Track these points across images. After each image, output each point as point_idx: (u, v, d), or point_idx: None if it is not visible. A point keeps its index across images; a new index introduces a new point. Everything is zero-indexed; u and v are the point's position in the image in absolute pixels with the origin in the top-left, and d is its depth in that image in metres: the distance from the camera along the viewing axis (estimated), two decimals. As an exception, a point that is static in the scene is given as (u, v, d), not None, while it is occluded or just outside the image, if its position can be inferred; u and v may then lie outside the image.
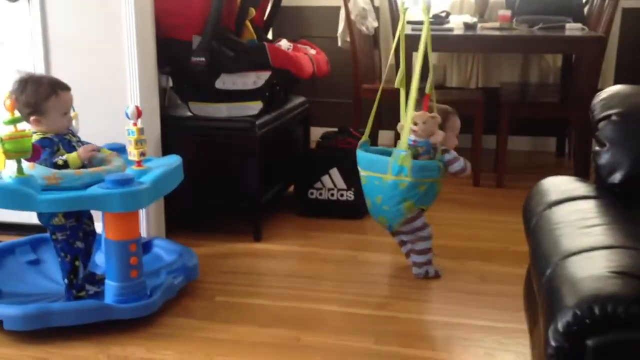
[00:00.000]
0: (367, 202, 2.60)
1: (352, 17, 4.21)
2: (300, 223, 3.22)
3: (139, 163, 2.26)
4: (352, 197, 3.23)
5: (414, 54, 4.07)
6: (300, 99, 3.51)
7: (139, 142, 2.22)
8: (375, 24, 4.51)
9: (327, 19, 4.67)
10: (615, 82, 4.15)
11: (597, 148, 1.87)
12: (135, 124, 2.22)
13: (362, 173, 2.58)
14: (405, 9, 2.62)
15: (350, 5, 4.19)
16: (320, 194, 3.27)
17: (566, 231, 1.57)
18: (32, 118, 2.19)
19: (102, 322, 2.17)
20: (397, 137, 2.79)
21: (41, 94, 2.18)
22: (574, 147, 3.83)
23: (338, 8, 4.48)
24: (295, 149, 3.55)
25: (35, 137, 2.14)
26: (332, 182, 3.25)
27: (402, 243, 2.67)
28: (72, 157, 2.18)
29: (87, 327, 2.15)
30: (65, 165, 2.17)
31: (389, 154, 2.52)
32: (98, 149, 2.30)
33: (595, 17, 3.90)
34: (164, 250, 2.61)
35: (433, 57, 4.47)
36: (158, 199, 2.25)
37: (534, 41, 3.69)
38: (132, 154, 2.24)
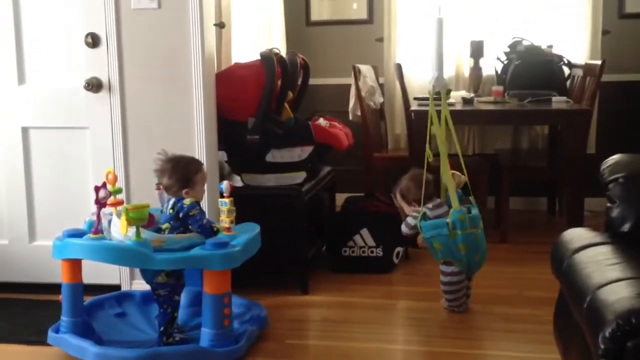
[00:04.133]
0: (478, 256, 3.06)
1: (363, 93, 4.75)
2: (337, 278, 3.61)
3: (228, 229, 2.66)
4: (381, 254, 3.67)
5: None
6: (328, 168, 3.96)
7: (230, 212, 2.64)
8: (381, 99, 5.05)
9: (336, 95, 5.17)
10: (597, 147, 4.72)
11: (608, 204, 2.36)
12: (228, 197, 2.64)
13: (472, 231, 2.97)
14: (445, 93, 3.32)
15: (360, 83, 4.73)
16: (353, 252, 3.69)
17: (595, 268, 2.03)
18: (184, 191, 2.61)
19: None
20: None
21: (192, 170, 2.64)
22: (566, 205, 4.32)
23: (346, 85, 4.98)
24: (325, 212, 3.99)
25: (190, 201, 2.58)
26: (363, 241, 3.69)
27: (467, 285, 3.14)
28: (222, 227, 2.63)
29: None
30: (217, 231, 2.63)
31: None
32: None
33: (578, 91, 4.45)
34: (233, 304, 2.96)
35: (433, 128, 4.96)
36: (246, 260, 2.64)
37: (527, 114, 4.21)
38: (225, 221, 2.65)
